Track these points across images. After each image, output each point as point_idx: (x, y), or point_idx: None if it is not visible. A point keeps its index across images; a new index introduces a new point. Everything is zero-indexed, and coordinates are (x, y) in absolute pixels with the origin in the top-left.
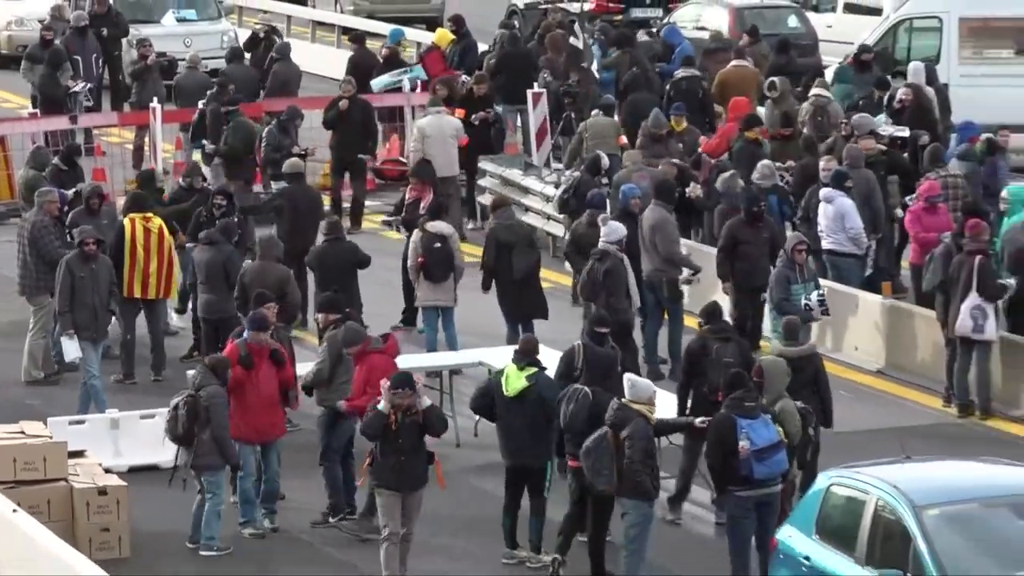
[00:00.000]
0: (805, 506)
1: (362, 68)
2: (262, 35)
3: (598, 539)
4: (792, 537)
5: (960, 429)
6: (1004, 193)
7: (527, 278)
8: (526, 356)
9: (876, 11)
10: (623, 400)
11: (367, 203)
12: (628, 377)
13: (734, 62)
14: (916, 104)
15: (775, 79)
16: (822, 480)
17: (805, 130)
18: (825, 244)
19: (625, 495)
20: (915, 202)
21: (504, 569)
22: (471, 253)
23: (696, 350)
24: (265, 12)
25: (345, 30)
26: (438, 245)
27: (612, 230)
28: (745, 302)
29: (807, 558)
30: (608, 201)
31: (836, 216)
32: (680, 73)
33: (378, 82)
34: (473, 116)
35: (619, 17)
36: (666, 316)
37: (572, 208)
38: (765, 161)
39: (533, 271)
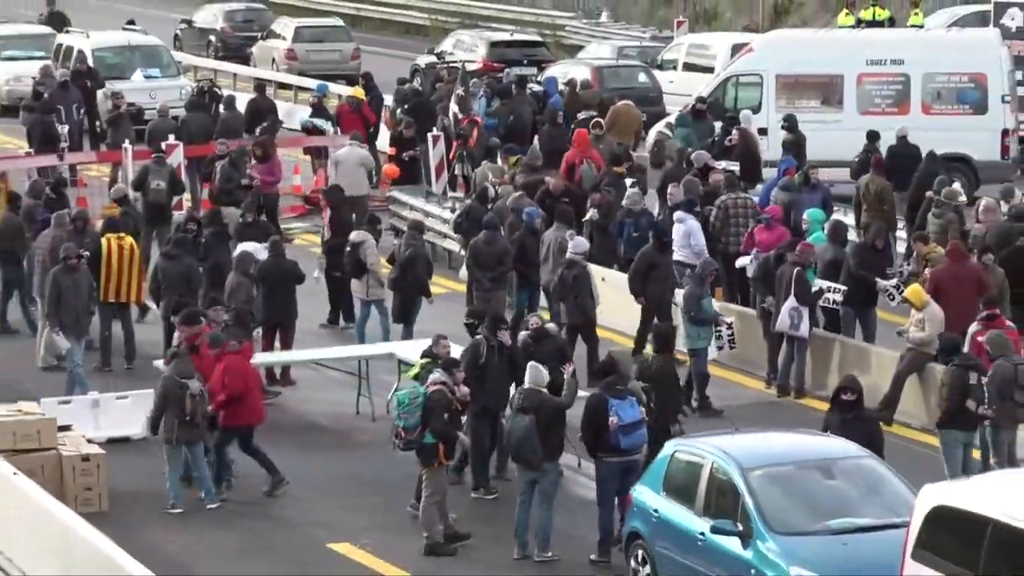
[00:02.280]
0: (654, 469)
1: (259, 112)
2: (206, 88)
3: None
4: (644, 494)
5: (778, 407)
6: (805, 215)
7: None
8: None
9: (709, 69)
10: (528, 387)
11: (298, 224)
12: (530, 365)
13: (623, 101)
14: (744, 144)
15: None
16: (668, 448)
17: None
18: (676, 256)
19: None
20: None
21: None
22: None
23: None
24: (215, 71)
25: (280, 85)
26: (348, 250)
27: (578, 244)
28: (650, 316)
29: (656, 511)
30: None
31: (685, 234)
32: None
33: (306, 121)
34: (404, 153)
35: (500, 75)
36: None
37: (464, 229)
38: (632, 189)
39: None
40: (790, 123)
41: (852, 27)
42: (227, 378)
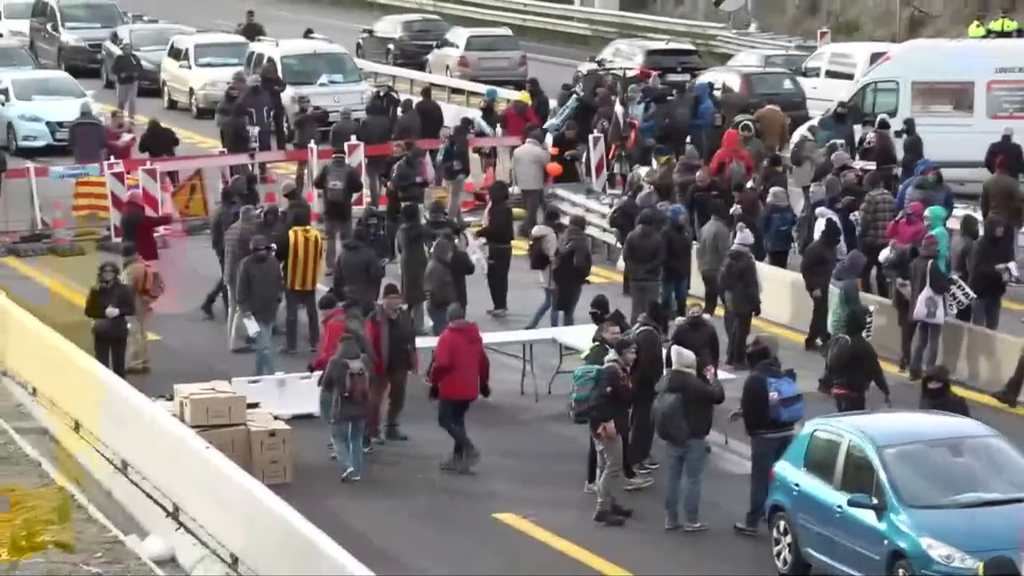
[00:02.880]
0: (795, 447)
1: (425, 114)
2: (382, 94)
3: None
4: (786, 469)
5: (911, 389)
6: (927, 212)
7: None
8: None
9: (849, 76)
10: (675, 367)
11: (470, 219)
12: (675, 349)
13: (769, 106)
14: (881, 145)
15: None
16: (808, 427)
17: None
18: None
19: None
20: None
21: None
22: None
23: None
24: (394, 77)
25: (453, 90)
26: (531, 243)
27: (745, 236)
28: (822, 306)
29: (797, 485)
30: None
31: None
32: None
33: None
34: (567, 153)
35: (660, 81)
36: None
37: (619, 224)
38: (777, 187)
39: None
40: (908, 126)
41: (982, 38)
42: (439, 351)
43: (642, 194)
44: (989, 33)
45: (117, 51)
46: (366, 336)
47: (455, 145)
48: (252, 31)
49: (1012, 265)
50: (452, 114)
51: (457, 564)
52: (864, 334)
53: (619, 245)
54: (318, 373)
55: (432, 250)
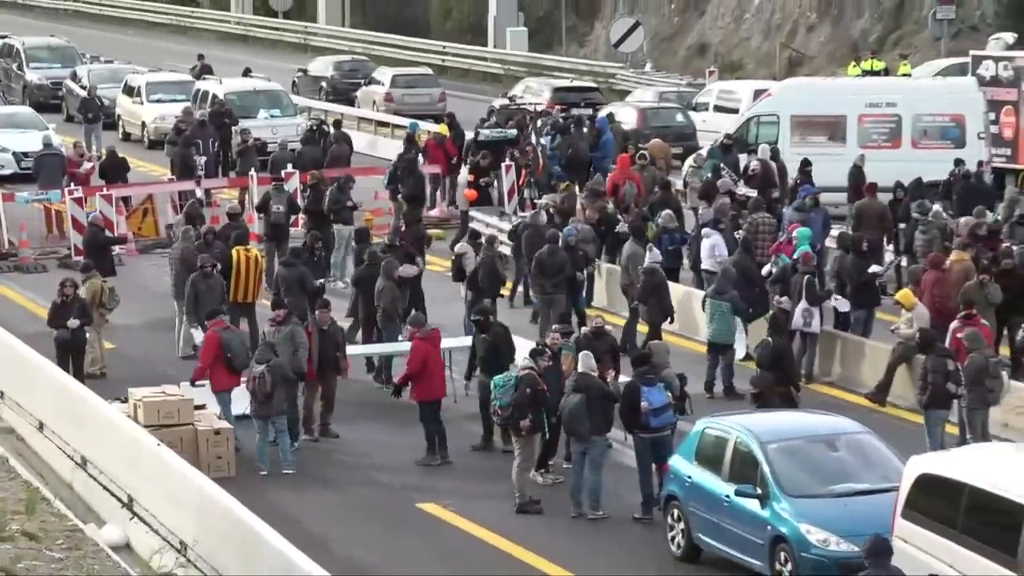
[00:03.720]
0: (687, 443)
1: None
2: (315, 127)
3: None
4: (679, 463)
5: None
6: (795, 233)
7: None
8: None
9: (735, 110)
10: (580, 371)
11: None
12: (583, 353)
13: (655, 139)
14: (763, 172)
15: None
16: (699, 425)
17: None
18: (703, 265)
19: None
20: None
21: None
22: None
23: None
24: (326, 111)
25: (379, 123)
26: (453, 259)
27: (656, 255)
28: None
29: (689, 477)
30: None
31: (710, 247)
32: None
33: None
34: (481, 180)
35: (564, 115)
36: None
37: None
38: (667, 210)
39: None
40: (774, 153)
41: (859, 76)
42: (411, 359)
43: (531, 213)
44: (886, 71)
45: (77, 88)
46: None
47: (398, 169)
48: (204, 71)
49: (878, 268)
50: (366, 144)
51: (384, 549)
52: (745, 343)
53: (511, 256)
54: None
55: (381, 269)
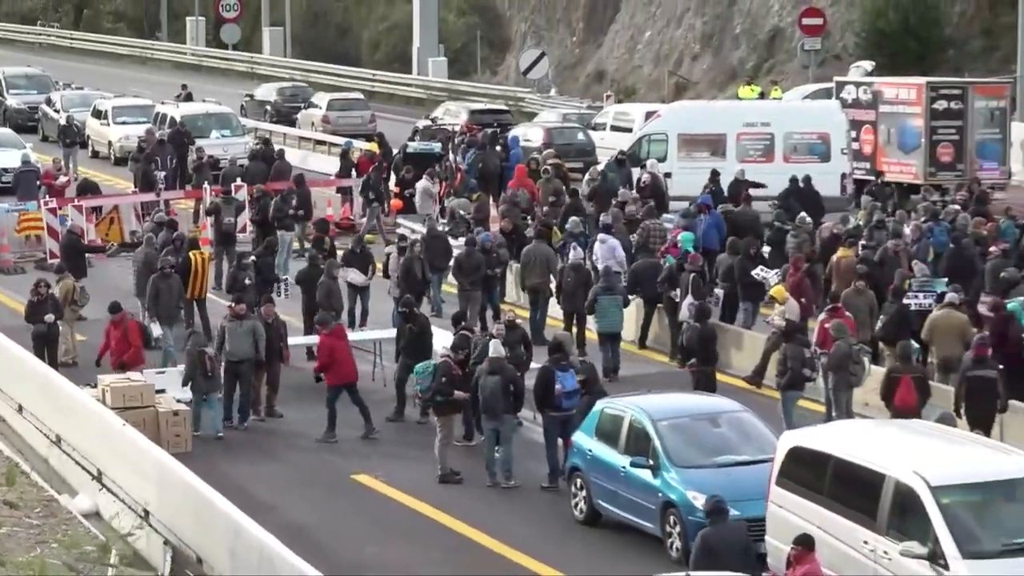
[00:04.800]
0: (589, 420)
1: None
2: (260, 145)
3: None
4: (581, 438)
5: (679, 375)
6: (679, 237)
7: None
8: None
9: (629, 130)
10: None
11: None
12: (493, 342)
13: (547, 152)
14: (654, 184)
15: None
16: (598, 405)
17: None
18: (601, 264)
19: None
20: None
21: None
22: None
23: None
24: (270, 132)
25: (318, 141)
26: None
27: (578, 254)
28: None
29: (590, 451)
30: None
31: (609, 249)
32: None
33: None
34: (406, 191)
35: (481, 133)
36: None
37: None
38: (573, 217)
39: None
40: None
41: (756, 98)
42: (320, 353)
43: (429, 222)
44: (763, 95)
45: (51, 112)
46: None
47: (371, 179)
48: (187, 99)
49: (760, 270)
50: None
51: (322, 515)
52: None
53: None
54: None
55: (325, 269)
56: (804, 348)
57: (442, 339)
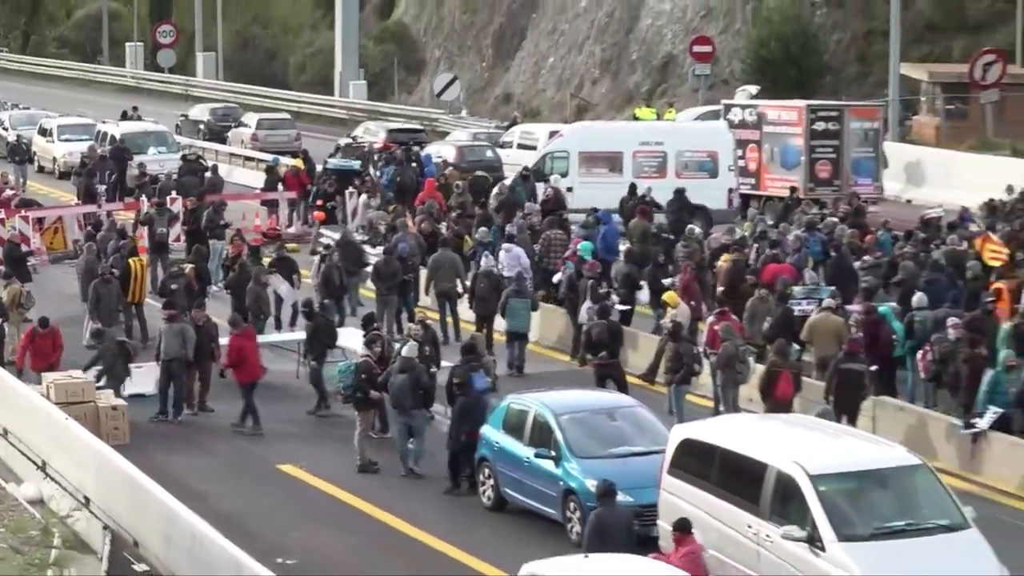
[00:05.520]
0: (496, 415)
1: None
2: (192, 158)
3: None
4: (489, 431)
5: (580, 373)
6: (579, 246)
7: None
8: None
9: (534, 148)
10: (405, 355)
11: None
12: (410, 343)
13: (451, 170)
14: (555, 198)
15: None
16: (505, 400)
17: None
18: (507, 272)
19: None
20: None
21: None
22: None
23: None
24: (204, 149)
25: (247, 157)
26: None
27: (491, 261)
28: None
29: (497, 443)
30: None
31: (515, 256)
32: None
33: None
34: (328, 204)
35: (398, 150)
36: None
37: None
38: (483, 228)
39: None
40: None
41: (653, 119)
42: (229, 351)
43: (342, 232)
44: (635, 117)
45: (2, 131)
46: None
47: (319, 189)
48: (140, 118)
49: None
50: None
51: (250, 502)
52: None
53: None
54: (150, 364)
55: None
56: (692, 346)
57: (353, 337)
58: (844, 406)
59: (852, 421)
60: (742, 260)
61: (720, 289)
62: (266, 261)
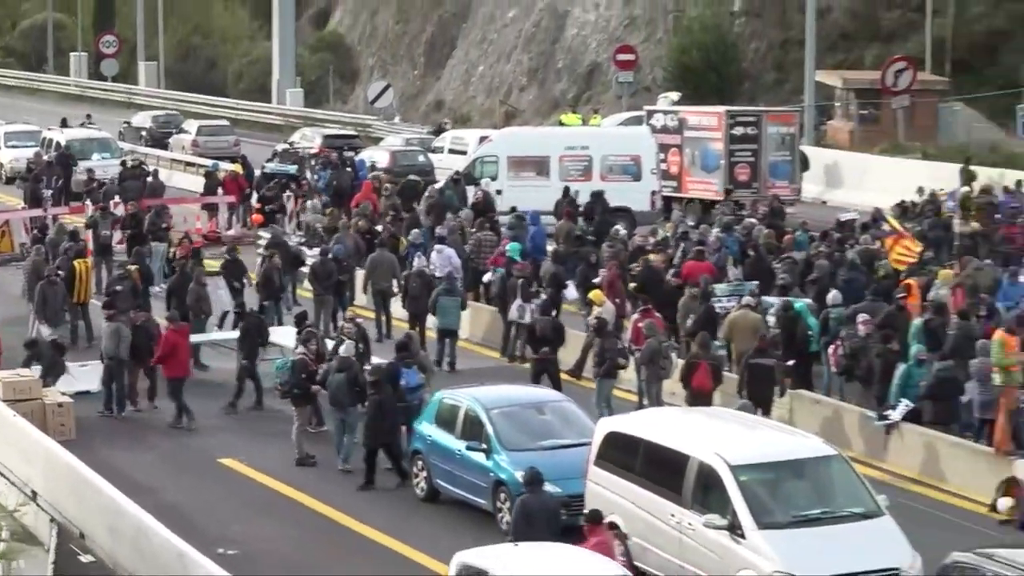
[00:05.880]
0: (429, 410)
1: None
2: (132, 164)
3: None
4: (422, 425)
5: (509, 369)
6: (508, 247)
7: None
8: None
9: (464, 152)
10: (342, 355)
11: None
12: (347, 343)
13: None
14: (485, 200)
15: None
16: (437, 395)
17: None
18: (438, 273)
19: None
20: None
21: None
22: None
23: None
24: (146, 154)
25: (187, 163)
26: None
27: (423, 261)
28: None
29: (430, 436)
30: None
31: (446, 257)
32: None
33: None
34: (267, 207)
35: (333, 155)
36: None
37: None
38: (416, 229)
39: None
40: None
41: (582, 124)
42: (163, 345)
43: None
44: (561, 123)
45: None
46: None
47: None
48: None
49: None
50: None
51: (193, 495)
52: None
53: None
54: (95, 362)
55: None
56: (617, 341)
57: (287, 336)
58: (756, 399)
59: (766, 413)
60: (660, 260)
61: (632, 286)
62: (218, 263)
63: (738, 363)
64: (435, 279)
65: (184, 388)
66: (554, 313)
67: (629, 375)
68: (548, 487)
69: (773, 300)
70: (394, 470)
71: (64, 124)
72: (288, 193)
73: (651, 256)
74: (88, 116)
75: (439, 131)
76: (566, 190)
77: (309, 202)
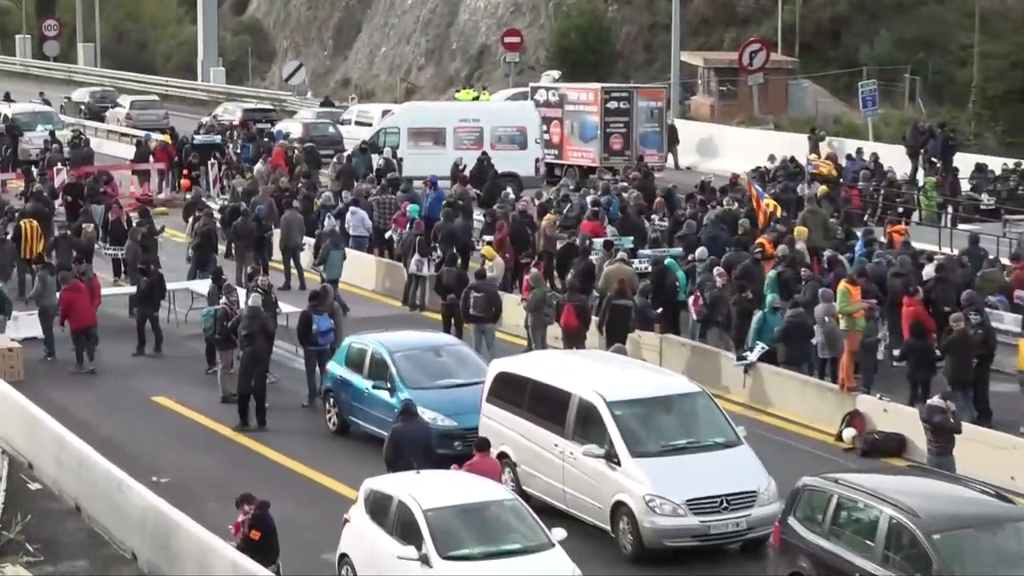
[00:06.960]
0: (340, 352)
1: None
2: (73, 135)
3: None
4: (334, 367)
5: (411, 317)
6: (407, 208)
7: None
8: None
9: (369, 124)
10: (251, 307)
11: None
12: (253, 295)
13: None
14: (388, 167)
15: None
16: (347, 340)
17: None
18: (353, 233)
19: None
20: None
21: None
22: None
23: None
24: (84, 126)
25: (122, 133)
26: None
27: (333, 223)
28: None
29: (341, 376)
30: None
31: (360, 219)
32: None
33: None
34: (192, 173)
35: (252, 127)
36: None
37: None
38: (326, 192)
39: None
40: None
41: (474, 99)
42: (60, 304)
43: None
44: (476, 97)
45: None
46: None
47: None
48: (45, 103)
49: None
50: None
51: (130, 430)
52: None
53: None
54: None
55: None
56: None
57: (203, 287)
58: (614, 336)
59: (622, 343)
60: (550, 220)
61: (542, 243)
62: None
63: None
64: (341, 238)
65: (93, 336)
66: (459, 264)
67: (519, 320)
68: (447, 421)
69: (648, 253)
70: (258, 417)
71: (7, 98)
72: (212, 161)
73: (547, 217)
74: (41, 93)
75: (326, 103)
76: (482, 157)
77: (236, 179)
